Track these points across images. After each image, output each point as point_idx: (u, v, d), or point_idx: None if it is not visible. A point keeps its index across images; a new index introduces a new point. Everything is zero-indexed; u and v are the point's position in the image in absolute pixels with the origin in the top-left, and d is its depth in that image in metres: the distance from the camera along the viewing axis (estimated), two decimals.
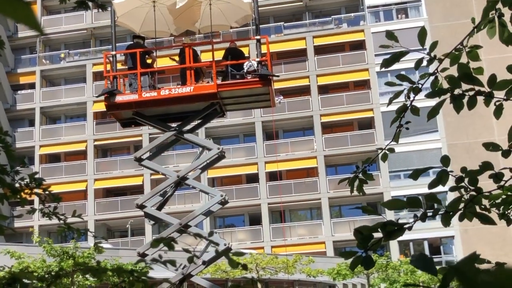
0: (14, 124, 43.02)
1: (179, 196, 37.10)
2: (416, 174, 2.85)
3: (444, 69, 2.92)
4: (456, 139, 38.46)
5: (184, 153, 38.17)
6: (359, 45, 41.46)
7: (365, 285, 31.99)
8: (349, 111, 39.84)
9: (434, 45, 2.85)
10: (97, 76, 41.53)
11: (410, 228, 2.39)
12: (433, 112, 3.04)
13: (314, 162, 39.15)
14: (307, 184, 39.08)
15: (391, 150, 3.03)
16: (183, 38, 17.58)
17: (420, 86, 2.92)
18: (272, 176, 38.43)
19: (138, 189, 39.58)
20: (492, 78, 2.70)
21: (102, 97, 14.12)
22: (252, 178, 39.72)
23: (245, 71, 14.46)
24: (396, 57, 2.79)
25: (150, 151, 15.42)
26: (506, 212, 3.00)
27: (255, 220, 39.18)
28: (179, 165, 37.48)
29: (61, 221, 4.14)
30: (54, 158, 42.69)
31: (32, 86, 43.47)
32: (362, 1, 41.79)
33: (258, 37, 14.44)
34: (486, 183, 2.94)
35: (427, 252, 37.65)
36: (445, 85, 2.81)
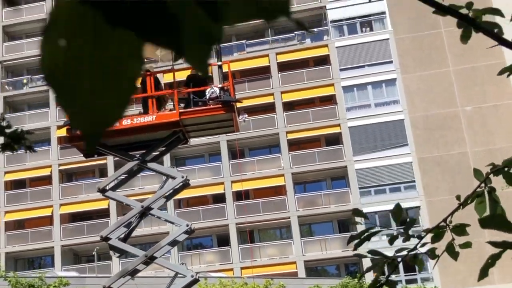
0: None
1: (146, 219, 36.78)
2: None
3: (424, 245, 2.71)
4: (426, 152, 37.98)
5: (149, 175, 37.94)
6: (324, 60, 41.63)
7: None
8: (315, 127, 39.80)
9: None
10: None
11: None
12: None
13: (282, 180, 39.08)
14: (275, 203, 38.89)
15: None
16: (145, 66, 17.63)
17: (396, 262, 2.68)
18: (239, 196, 38.40)
19: (104, 213, 39.20)
20: None
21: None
22: (219, 198, 39.58)
23: (207, 97, 14.57)
24: (366, 237, 2.71)
25: (114, 180, 15.37)
26: None
27: (223, 241, 38.99)
28: (144, 187, 37.30)
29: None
30: (19, 184, 42.04)
31: None
32: (325, 15, 41.71)
33: (219, 62, 14.60)
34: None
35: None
36: None
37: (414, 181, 37.74)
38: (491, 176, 2.48)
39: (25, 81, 43.25)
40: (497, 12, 2.58)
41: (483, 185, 2.52)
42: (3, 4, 44.45)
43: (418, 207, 37.17)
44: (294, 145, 40.30)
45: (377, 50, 40.31)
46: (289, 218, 38.23)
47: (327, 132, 39.93)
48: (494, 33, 2.07)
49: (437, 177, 37.38)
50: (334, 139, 40.10)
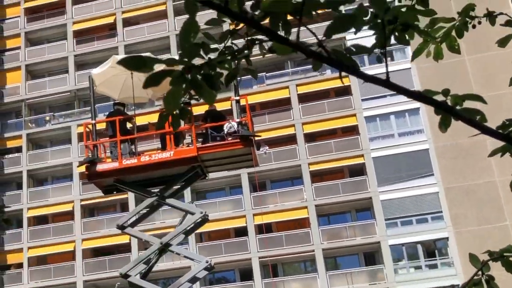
0: (2, 188, 42.81)
1: (167, 253, 36.54)
2: None
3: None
4: (453, 182, 37.04)
5: (170, 209, 37.71)
6: (345, 91, 41.26)
7: None
8: (338, 158, 39.36)
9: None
10: (82, 136, 41.59)
11: None
12: None
13: (305, 212, 38.55)
14: (299, 236, 38.22)
15: None
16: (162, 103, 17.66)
17: None
18: (262, 229, 37.96)
19: (125, 248, 39.08)
20: None
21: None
22: (241, 232, 39.17)
23: (225, 132, 14.46)
24: None
25: (133, 216, 15.26)
26: None
27: (246, 275, 38.47)
28: (165, 221, 37.17)
29: None
30: (42, 220, 42.27)
31: (19, 149, 43.42)
32: (345, 46, 41.66)
33: (237, 97, 14.53)
34: None
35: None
36: None
37: (441, 212, 36.90)
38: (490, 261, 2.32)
39: (47, 118, 43.86)
40: (478, 98, 2.40)
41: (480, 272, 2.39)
42: (26, 44, 45.48)
43: (446, 238, 36.35)
44: (317, 176, 39.82)
45: (399, 79, 39.65)
46: (313, 251, 37.56)
47: (350, 163, 39.45)
48: (475, 121, 1.96)
49: (465, 207, 36.52)
50: (358, 170, 39.50)
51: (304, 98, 41.49)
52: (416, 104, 39.24)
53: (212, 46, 2.02)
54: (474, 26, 4.01)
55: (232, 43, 2.05)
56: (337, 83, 41.51)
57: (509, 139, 2.32)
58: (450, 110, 2.09)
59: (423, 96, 1.68)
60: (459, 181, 36.93)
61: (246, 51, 2.02)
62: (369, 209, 38.55)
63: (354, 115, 40.21)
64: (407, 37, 2.20)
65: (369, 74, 1.94)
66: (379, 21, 2.03)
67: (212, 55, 2.00)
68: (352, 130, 40.52)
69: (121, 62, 1.91)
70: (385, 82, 1.87)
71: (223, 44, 2.06)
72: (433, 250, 36.98)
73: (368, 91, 40.14)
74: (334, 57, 1.92)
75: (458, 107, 2.24)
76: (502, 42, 4.02)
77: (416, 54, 3.65)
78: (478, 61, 38.78)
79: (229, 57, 2.02)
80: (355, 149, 39.31)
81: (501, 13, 4.16)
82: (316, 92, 41.35)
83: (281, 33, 1.88)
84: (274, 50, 1.98)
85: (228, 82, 2.12)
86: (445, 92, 2.27)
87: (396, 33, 2.12)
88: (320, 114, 40.63)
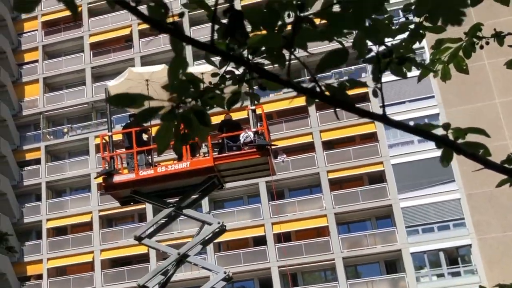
0: (21, 200, 43.12)
1: (186, 264, 36.48)
2: None
3: None
4: (475, 188, 36.28)
5: (188, 219, 37.72)
6: (363, 98, 40.77)
7: None
8: (357, 166, 38.98)
9: None
10: (99, 148, 41.83)
11: None
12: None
13: (325, 220, 38.21)
14: (319, 244, 37.82)
15: None
16: None
17: None
18: (281, 238, 37.70)
19: (144, 258, 39.06)
20: None
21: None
22: (260, 241, 38.92)
23: (241, 142, 14.36)
24: None
25: (151, 227, 15.22)
26: None
27: (266, 284, 38.16)
28: (183, 231, 37.10)
29: None
30: (61, 231, 42.47)
31: (37, 161, 43.79)
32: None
33: (253, 107, 14.42)
34: None
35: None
36: None
37: (463, 218, 36.31)
38: None
39: (65, 130, 44.18)
40: (480, 131, 2.27)
41: None
42: (44, 57, 45.93)
43: (469, 245, 35.80)
44: (336, 184, 39.47)
45: (418, 85, 39.54)
46: (333, 260, 37.20)
47: (369, 170, 39.07)
48: (479, 156, 1.85)
49: (488, 213, 35.89)
50: (377, 177, 39.08)
51: (321, 105, 41.05)
52: (435, 110, 38.81)
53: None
54: (481, 47, 3.93)
55: (233, 67, 1.99)
56: (355, 90, 40.89)
57: None
58: (452, 144, 1.98)
59: (423, 131, 1.58)
60: (481, 187, 36.27)
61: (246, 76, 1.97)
62: (390, 217, 38.12)
63: (373, 121, 39.79)
64: (404, 70, 2.10)
65: (364, 109, 1.87)
66: (373, 54, 1.92)
67: (214, 80, 1.96)
68: (371, 137, 40.15)
69: (110, 101, 1.88)
70: (382, 118, 1.77)
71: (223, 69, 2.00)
72: (456, 258, 36.41)
73: (387, 98, 39.49)
74: (328, 93, 1.85)
75: (461, 140, 2.12)
76: (511, 64, 3.97)
77: (422, 75, 3.56)
78: (499, 66, 38.28)
79: (220, 92, 1.98)
80: (374, 156, 38.93)
81: (509, 33, 4.06)
82: None
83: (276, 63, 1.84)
84: (264, 87, 1.93)
85: (230, 107, 2.07)
86: (446, 126, 2.17)
87: (392, 66, 2.02)
88: (338, 121, 40.28)
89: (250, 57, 1.89)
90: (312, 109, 40.98)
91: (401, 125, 1.81)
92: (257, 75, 1.81)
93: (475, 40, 3.87)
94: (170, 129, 1.90)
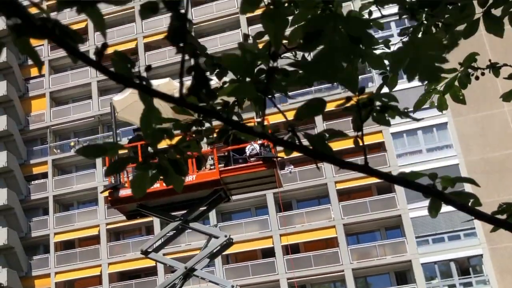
0: (29, 214, 43.17)
1: (193, 278, 36.29)
2: None
3: None
4: (485, 197, 34.94)
5: (195, 232, 37.60)
6: (379, 144, 40.61)
7: None
8: (365, 176, 38.41)
9: None
10: (105, 162, 41.84)
11: None
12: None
13: (333, 231, 37.96)
14: (328, 256, 37.60)
15: None
16: None
17: None
18: (289, 249, 37.46)
19: (152, 271, 38.92)
20: None
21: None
22: (268, 253, 38.70)
23: (247, 154, 14.26)
24: None
25: (158, 241, 15.12)
26: None
27: None
28: (191, 243, 36.95)
29: None
30: (68, 244, 42.43)
31: (44, 175, 43.88)
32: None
33: (258, 119, 14.31)
34: None
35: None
36: None
37: (474, 228, 35.98)
38: None
39: (72, 143, 44.27)
40: (469, 180, 2.16)
41: None
42: (50, 71, 46.11)
43: (480, 255, 35.43)
44: (344, 195, 39.22)
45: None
46: (343, 271, 36.92)
47: (378, 181, 38.67)
48: (468, 207, 1.74)
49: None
50: (386, 188, 38.80)
51: (328, 115, 41.01)
52: (443, 119, 38.53)
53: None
54: (477, 78, 3.86)
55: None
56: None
57: (506, 225, 2.05)
58: (439, 194, 1.85)
59: (407, 181, 1.48)
60: (492, 196, 35.89)
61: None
62: (399, 227, 37.82)
63: (380, 131, 39.59)
64: (387, 117, 1.98)
65: (346, 161, 1.81)
66: (353, 103, 1.77)
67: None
68: (379, 147, 39.91)
69: (79, 152, 1.83)
70: (363, 168, 1.70)
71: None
72: (467, 268, 36.02)
73: None
74: (307, 143, 1.77)
75: (449, 190, 1.99)
76: (507, 97, 3.89)
77: (417, 105, 3.48)
78: (507, 73, 38.01)
79: (195, 140, 1.92)
80: (382, 166, 38.58)
81: (505, 65, 3.99)
82: (340, 110, 40.63)
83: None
84: (239, 138, 1.84)
85: (220, 138, 1.99)
86: (433, 176, 2.02)
87: (374, 114, 1.90)
88: (345, 131, 39.80)
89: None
90: (318, 119, 40.79)
91: (384, 176, 1.70)
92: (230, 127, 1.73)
93: (470, 71, 3.80)
94: (145, 177, 1.82)
